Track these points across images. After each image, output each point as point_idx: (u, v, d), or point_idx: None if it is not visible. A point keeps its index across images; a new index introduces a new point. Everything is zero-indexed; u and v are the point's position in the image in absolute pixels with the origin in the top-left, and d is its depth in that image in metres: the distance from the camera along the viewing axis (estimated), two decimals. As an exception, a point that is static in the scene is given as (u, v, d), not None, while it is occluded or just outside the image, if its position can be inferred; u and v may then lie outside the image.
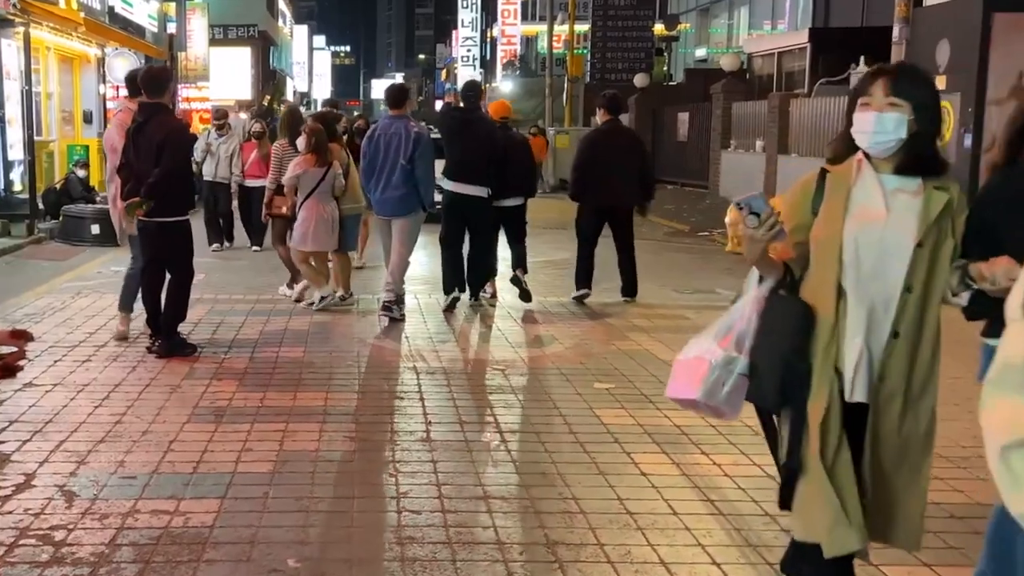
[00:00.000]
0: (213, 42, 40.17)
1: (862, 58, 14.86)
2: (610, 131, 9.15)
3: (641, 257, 12.56)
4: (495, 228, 8.94)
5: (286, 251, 8.86)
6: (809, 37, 17.35)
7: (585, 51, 29.81)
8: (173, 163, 6.66)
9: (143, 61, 21.37)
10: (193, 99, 25.31)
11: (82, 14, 15.40)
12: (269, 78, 47.64)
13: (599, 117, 9.27)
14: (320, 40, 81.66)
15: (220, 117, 12.52)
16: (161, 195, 6.58)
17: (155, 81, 6.62)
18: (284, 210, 8.60)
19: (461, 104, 8.62)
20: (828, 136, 14.40)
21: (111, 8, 18.83)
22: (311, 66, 70.59)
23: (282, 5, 54.09)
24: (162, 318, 6.82)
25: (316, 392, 5.80)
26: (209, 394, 5.74)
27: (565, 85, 28.66)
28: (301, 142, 8.35)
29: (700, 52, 36.96)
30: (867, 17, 20.74)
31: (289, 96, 58.45)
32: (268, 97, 40.97)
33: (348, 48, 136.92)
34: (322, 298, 8.42)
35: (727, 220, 12.91)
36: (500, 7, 48.45)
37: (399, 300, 8.22)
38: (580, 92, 29.13)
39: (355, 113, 19.66)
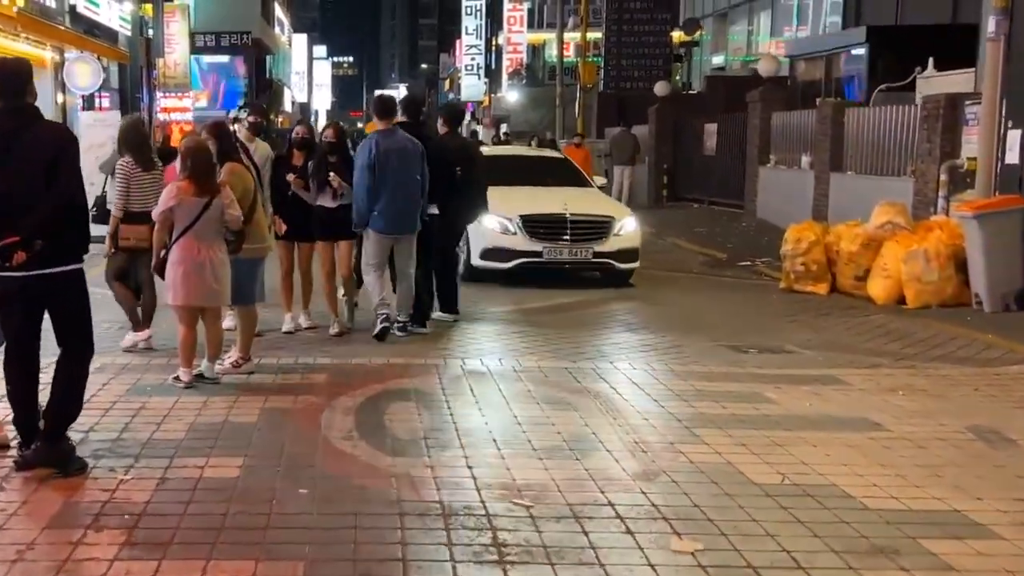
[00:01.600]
0: (203, 50, 38.57)
1: (931, 60, 12.80)
2: (448, 144, 8.82)
3: (682, 297, 10.52)
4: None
5: (122, 290, 7.33)
6: (867, 36, 15.27)
7: (598, 59, 27.80)
8: (69, 188, 4.64)
9: (110, 67, 19.36)
10: (172, 109, 23.30)
11: (15, 8, 13.24)
12: (265, 88, 45.69)
13: (439, 128, 8.98)
14: (321, 50, 79.84)
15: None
16: (53, 234, 4.56)
17: (11, 79, 4.57)
18: (131, 241, 7.11)
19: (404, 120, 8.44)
20: (891, 151, 12.33)
21: (72, 7, 16.81)
22: (311, 76, 68.71)
23: (279, 13, 52.22)
24: (46, 415, 4.77)
25: (241, 562, 3.72)
26: (72, 568, 3.67)
27: (577, 94, 26.63)
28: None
29: (717, 60, 34.94)
30: (903, 16, 18.76)
31: (287, 107, 56.56)
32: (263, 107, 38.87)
33: (351, 59, 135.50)
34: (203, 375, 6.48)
35: (784, 250, 10.83)
36: (506, 14, 46.57)
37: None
38: (593, 102, 27.09)
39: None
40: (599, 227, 10.65)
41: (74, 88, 16.03)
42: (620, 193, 19.13)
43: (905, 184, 11.58)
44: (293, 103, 60.97)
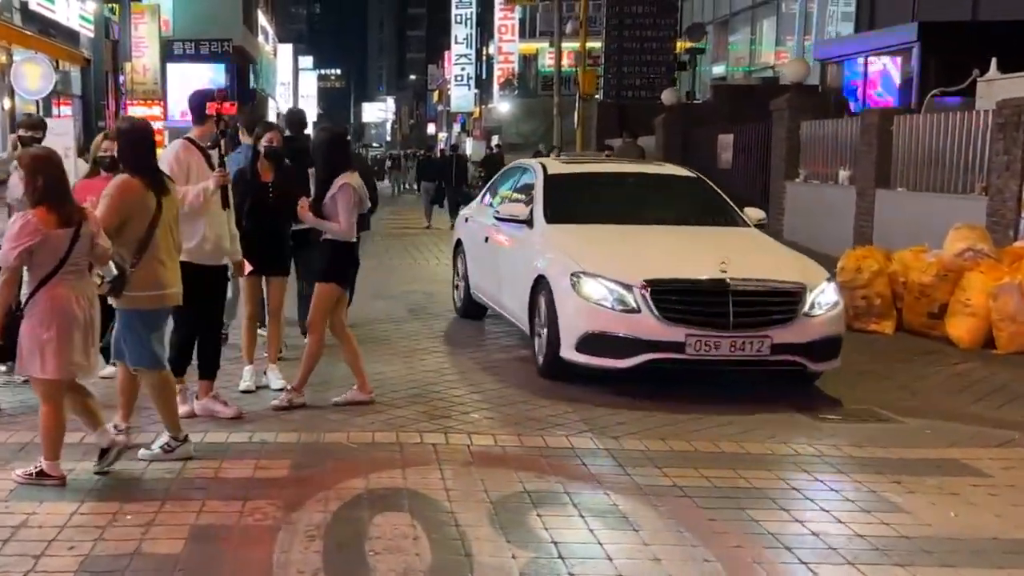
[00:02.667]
0: (182, 58, 36.86)
1: (993, 60, 11.22)
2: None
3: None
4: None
5: None
6: (919, 34, 13.69)
7: (599, 68, 26.22)
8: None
9: (71, 72, 17.70)
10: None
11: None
12: (248, 98, 43.96)
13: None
14: (307, 61, 78.18)
15: (31, 127, 7.62)
16: None
17: None
18: None
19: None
20: (953, 164, 10.73)
21: (24, 4, 15.09)
22: (296, 87, 67.01)
23: (263, 21, 50.54)
24: None
25: None
26: None
27: (576, 104, 25.04)
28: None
29: (718, 69, 33.54)
30: (919, 13, 17.27)
31: (272, 118, 54.86)
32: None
33: (339, 71, 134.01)
34: (103, 452, 4.74)
35: (839, 281, 8.82)
36: (497, 23, 45.08)
37: None
38: (593, 112, 25.50)
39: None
40: (782, 302, 6.43)
41: (22, 92, 14.33)
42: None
43: (975, 203, 9.97)
44: (278, 114, 59.20)
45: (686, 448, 5.40)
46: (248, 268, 6.41)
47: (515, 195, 8.80)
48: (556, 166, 8.75)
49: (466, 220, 9.90)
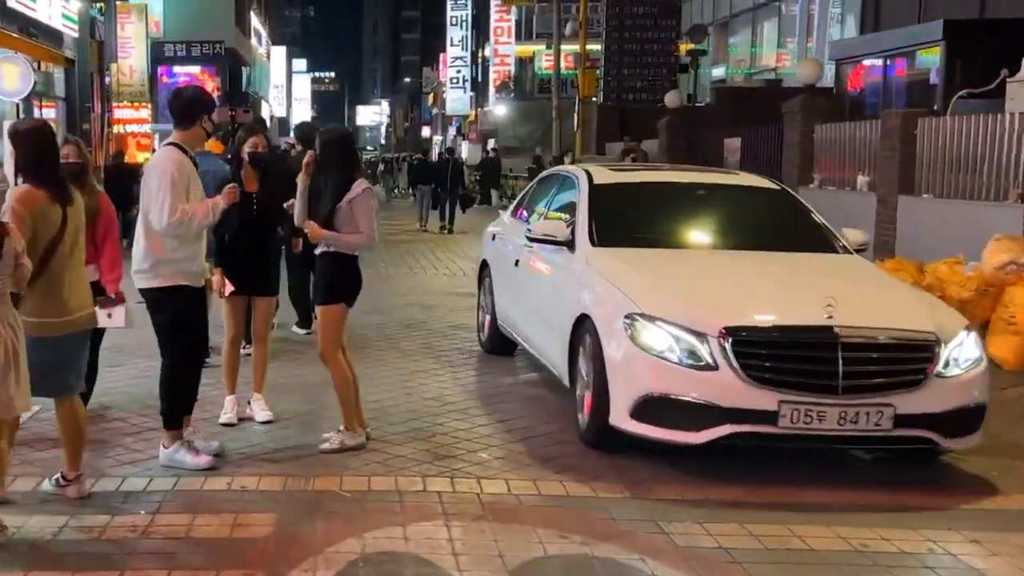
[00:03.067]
0: (173, 60, 36.18)
1: (1025, 61, 10.61)
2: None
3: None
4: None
5: None
6: (944, 32, 13.04)
7: (599, 70, 25.59)
8: None
9: (54, 73, 17.04)
10: (128, 121, 20.85)
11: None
12: (241, 101, 43.29)
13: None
14: (301, 63, 77.54)
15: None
16: None
17: None
18: None
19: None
20: (984, 170, 10.10)
21: (2, 2, 14.42)
22: (290, 90, 66.36)
23: (256, 23, 49.86)
24: None
25: None
26: None
27: (576, 107, 24.42)
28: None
29: (718, 72, 33.01)
30: (924, 13, 16.67)
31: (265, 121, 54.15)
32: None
33: (332, 74, 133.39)
34: None
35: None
36: (492, 25, 44.48)
37: None
38: (593, 115, 24.87)
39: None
40: (908, 358, 4.92)
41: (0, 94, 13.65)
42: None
43: (1010, 211, 9.34)
44: (272, 117, 58.53)
45: (730, 499, 4.75)
46: (229, 288, 5.77)
47: (554, 210, 7.16)
48: (604, 174, 7.02)
49: (493, 237, 8.26)
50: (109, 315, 5.14)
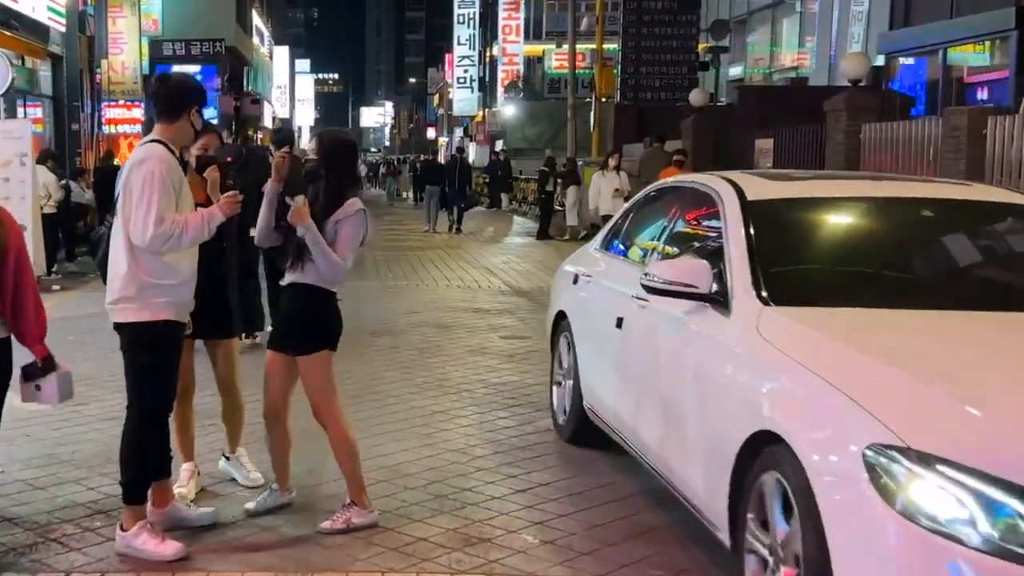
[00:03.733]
0: (172, 59, 35.12)
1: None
2: None
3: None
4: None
5: None
6: (1018, 20, 11.86)
7: (615, 68, 24.43)
8: None
9: (38, 69, 15.97)
10: (120, 121, 19.74)
11: None
12: (245, 96, 42.21)
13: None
14: (304, 64, 76.46)
15: None
16: None
17: None
18: None
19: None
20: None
21: (-20, -9, 13.32)
22: (293, 91, 65.26)
23: (258, 22, 48.81)
24: None
25: None
26: None
27: (594, 106, 23.26)
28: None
29: (735, 71, 31.87)
30: (957, 8, 15.50)
31: (267, 122, 53.02)
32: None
33: (336, 75, 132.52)
34: None
35: None
36: (501, 23, 43.36)
37: None
38: (610, 116, 23.72)
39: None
40: None
41: (-27, 90, 12.54)
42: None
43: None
44: (274, 118, 57.48)
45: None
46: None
47: (674, 243, 4.72)
48: (761, 186, 4.50)
49: (575, 280, 5.75)
50: (37, 387, 3.97)
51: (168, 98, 4.13)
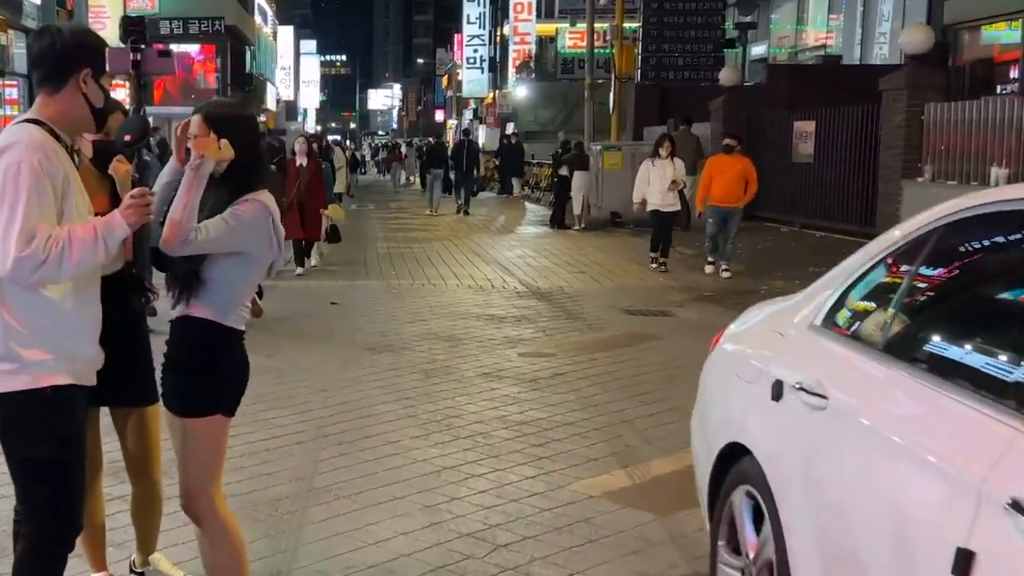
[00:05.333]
0: (169, 38, 33.74)
1: None
2: None
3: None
4: None
5: None
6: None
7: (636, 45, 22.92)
8: None
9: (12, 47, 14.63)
10: (103, 102, 18.31)
11: None
12: (244, 83, 40.82)
13: None
14: (310, 45, 74.87)
15: None
16: None
17: None
18: None
19: None
20: None
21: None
22: (297, 72, 63.76)
23: (261, 0, 47.31)
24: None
25: None
26: None
27: (613, 86, 21.79)
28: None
29: (758, 50, 30.38)
30: None
31: (271, 104, 51.58)
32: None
33: (344, 57, 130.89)
34: None
35: None
36: (512, 1, 41.77)
37: None
38: (630, 97, 22.26)
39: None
40: None
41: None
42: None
43: None
44: (278, 101, 56.04)
45: None
46: None
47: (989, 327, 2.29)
48: None
49: (777, 391, 2.81)
50: None
51: (45, 56, 2.76)
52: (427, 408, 6.06)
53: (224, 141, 2.94)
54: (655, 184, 11.89)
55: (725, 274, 11.55)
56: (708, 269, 11.79)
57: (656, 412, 6.05)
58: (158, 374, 3.19)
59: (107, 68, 2.96)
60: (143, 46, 3.28)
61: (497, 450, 5.26)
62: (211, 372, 3.00)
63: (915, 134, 11.38)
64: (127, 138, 2.91)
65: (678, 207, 12.28)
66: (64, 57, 2.76)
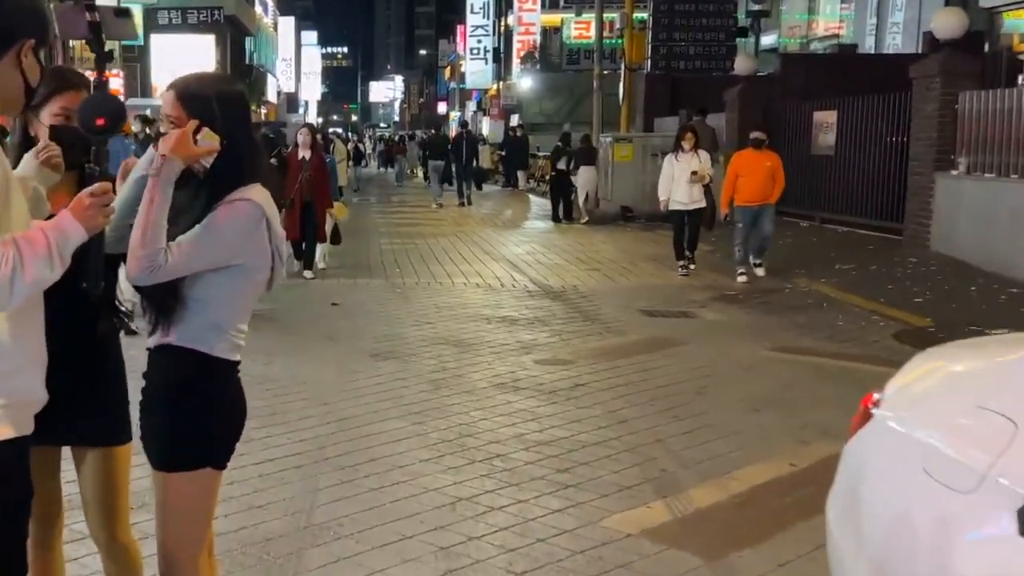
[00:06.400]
0: (168, 27, 33.19)
1: None
2: None
3: None
4: None
5: None
6: None
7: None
8: None
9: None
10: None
11: None
12: (243, 75, 40.20)
13: None
14: (311, 36, 74.17)
15: None
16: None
17: None
18: None
19: None
20: None
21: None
22: (299, 63, 63.09)
23: (261, -10, 46.66)
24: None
25: None
26: None
27: (623, 76, 21.18)
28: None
29: (768, 39, 29.80)
30: None
31: (271, 97, 50.92)
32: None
33: (345, 49, 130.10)
34: None
35: None
36: (516, -9, 41.11)
37: None
38: (640, 87, 21.64)
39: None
40: None
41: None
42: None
43: None
44: (279, 92, 55.41)
45: None
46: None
47: None
48: None
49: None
50: None
51: None
52: (437, 425, 5.48)
53: (205, 130, 2.36)
54: (680, 180, 10.93)
55: (759, 271, 10.72)
56: (740, 280, 10.54)
57: (691, 429, 5.47)
58: (135, 408, 2.61)
59: (56, 33, 2.37)
60: (97, 3, 2.68)
61: (518, 476, 4.68)
62: (197, 416, 2.43)
63: (949, 124, 10.77)
64: (100, 122, 2.31)
65: (704, 203, 11.24)
66: (4, 26, 2.17)
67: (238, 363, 2.51)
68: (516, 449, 5.09)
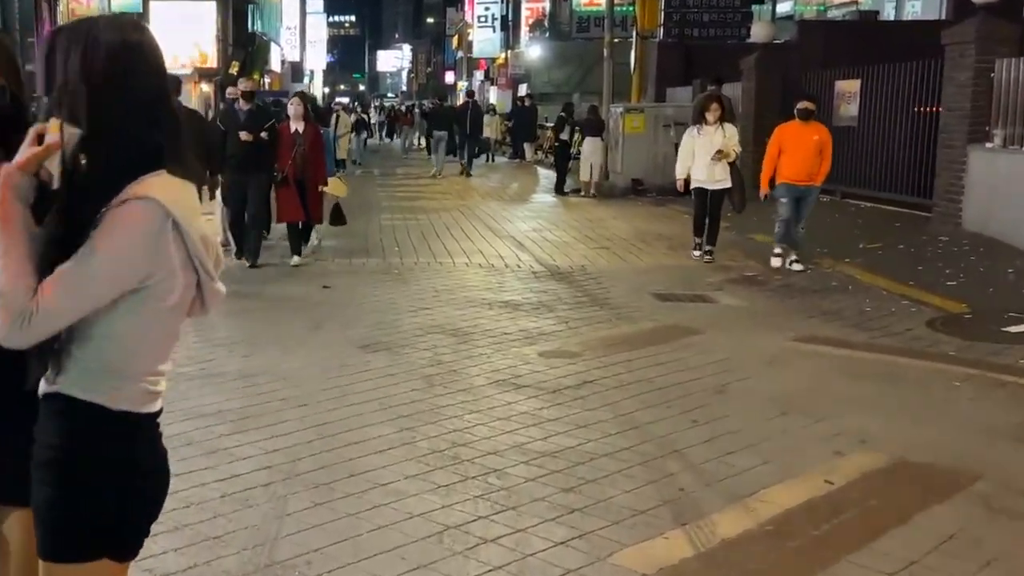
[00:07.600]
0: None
1: None
2: None
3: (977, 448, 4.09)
4: None
5: None
6: None
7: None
8: None
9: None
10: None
11: None
12: (246, 43, 39.40)
13: None
14: (317, 3, 73.07)
15: None
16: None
17: None
18: None
19: None
20: None
21: None
22: (303, 32, 62.11)
23: (265, -44, 45.71)
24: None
25: None
26: None
27: (635, 43, 20.43)
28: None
29: (784, 7, 28.96)
30: None
31: (275, 66, 50.06)
32: (237, 65, 32.75)
33: (353, 18, 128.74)
34: None
35: None
36: (525, -43, 40.16)
37: None
38: (652, 56, 20.88)
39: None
40: None
41: None
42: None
43: None
44: (283, 62, 54.52)
45: None
46: None
47: None
48: None
49: None
50: None
51: None
52: (428, 432, 4.90)
53: (53, 122, 1.75)
54: (701, 157, 9.93)
55: (796, 266, 9.49)
56: (775, 262, 9.56)
57: (711, 437, 4.89)
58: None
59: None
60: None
61: (516, 498, 4.10)
62: (89, 490, 1.84)
63: (983, 94, 10.06)
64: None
65: (728, 183, 10.06)
66: None
67: (156, 415, 1.91)
68: (515, 462, 4.51)
